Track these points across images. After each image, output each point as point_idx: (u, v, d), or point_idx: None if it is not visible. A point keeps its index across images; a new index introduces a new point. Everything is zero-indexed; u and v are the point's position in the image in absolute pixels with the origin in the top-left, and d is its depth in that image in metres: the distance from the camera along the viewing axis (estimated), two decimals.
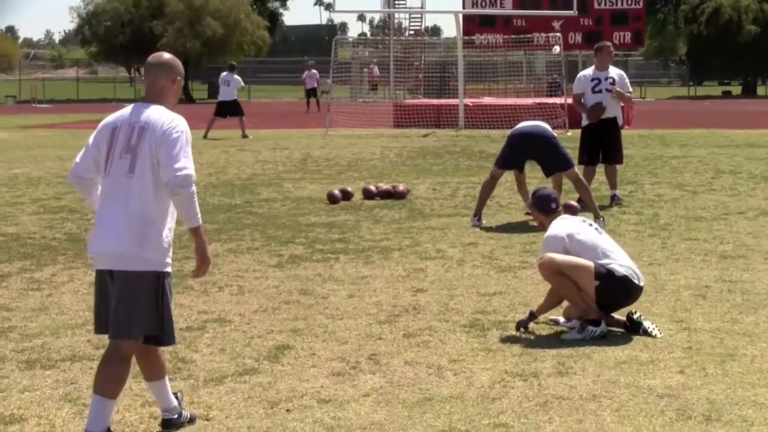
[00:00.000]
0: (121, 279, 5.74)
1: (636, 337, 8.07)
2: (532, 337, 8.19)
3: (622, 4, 41.68)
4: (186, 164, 5.67)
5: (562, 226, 8.59)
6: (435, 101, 39.02)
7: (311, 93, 51.89)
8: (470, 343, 8.03)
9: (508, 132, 15.13)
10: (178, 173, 5.62)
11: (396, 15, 57.49)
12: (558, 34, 37.48)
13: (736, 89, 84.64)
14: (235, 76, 33.10)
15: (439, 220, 14.40)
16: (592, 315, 8.16)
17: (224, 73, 33.35)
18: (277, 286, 10.18)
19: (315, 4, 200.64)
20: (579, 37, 40.70)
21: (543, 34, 38.33)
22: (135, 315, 5.75)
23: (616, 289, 8.25)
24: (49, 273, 10.90)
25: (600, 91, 15.68)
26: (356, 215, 14.97)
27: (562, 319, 8.47)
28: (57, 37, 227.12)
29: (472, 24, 41.08)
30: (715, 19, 78.31)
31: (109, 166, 5.80)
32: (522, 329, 8.34)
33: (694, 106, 56.86)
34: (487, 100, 38.85)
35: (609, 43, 16.54)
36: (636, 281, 8.35)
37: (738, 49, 77.43)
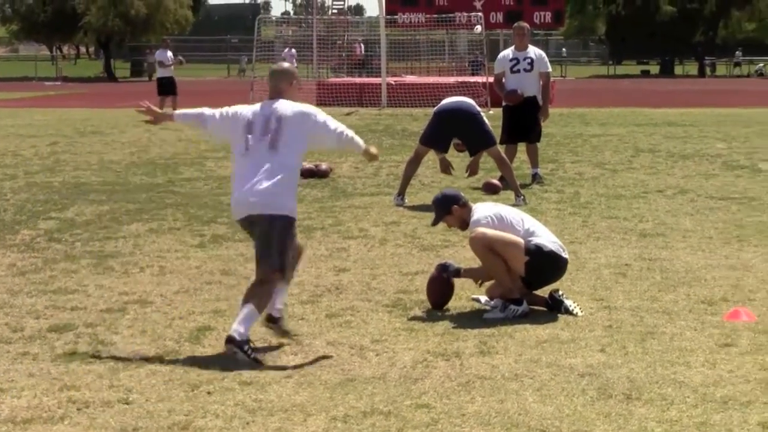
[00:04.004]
0: (271, 222, 7.25)
1: (557, 316, 8.13)
2: (454, 316, 8.21)
3: None
4: (337, 125, 7.43)
5: (488, 208, 8.60)
6: (358, 80, 38.93)
7: None
8: (392, 322, 8.03)
9: (430, 110, 15.12)
10: (339, 132, 7.39)
11: None
12: (480, 13, 37.56)
13: (654, 68, 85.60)
14: (168, 53, 32.44)
15: (361, 199, 14.39)
16: (515, 294, 8.20)
17: (158, 51, 32.70)
18: (198, 267, 10.10)
19: None
20: (500, 17, 40.67)
21: (465, 14, 38.35)
22: (284, 252, 7.31)
23: (545, 263, 8.30)
24: None
25: (518, 71, 15.87)
26: None
27: (483, 298, 8.48)
28: None
29: (394, 3, 40.96)
30: None
31: (249, 146, 7.31)
32: (445, 274, 8.42)
33: (614, 85, 57.39)
34: (410, 78, 38.85)
35: (525, 24, 16.82)
36: (563, 254, 8.43)
37: (656, 29, 78.35)
